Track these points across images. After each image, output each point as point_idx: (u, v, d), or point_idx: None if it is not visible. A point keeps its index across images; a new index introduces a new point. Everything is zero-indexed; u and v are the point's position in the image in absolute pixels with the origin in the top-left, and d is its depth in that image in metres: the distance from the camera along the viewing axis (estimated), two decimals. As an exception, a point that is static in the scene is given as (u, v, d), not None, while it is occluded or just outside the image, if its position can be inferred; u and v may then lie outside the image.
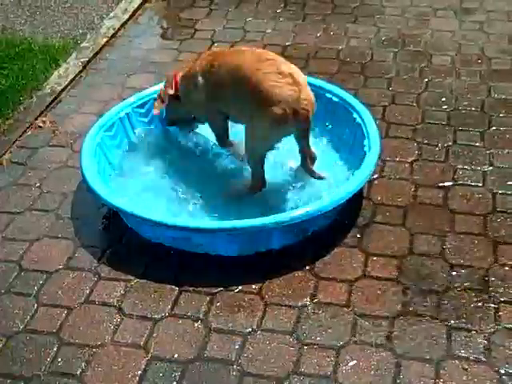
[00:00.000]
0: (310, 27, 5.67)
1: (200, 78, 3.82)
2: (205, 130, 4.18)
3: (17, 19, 6.14)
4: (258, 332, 3.20)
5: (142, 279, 3.49)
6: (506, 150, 4.21)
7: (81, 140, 4.19)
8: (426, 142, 4.33)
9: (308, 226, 3.62)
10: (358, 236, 3.67)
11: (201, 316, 3.29)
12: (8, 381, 3.07)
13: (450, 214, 3.78)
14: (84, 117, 4.69)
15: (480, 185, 3.96)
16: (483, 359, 3.02)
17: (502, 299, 3.28)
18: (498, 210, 3.79)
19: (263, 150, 3.72)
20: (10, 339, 3.24)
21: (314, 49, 5.36)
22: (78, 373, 3.07)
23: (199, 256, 3.58)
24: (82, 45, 5.59)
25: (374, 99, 4.69)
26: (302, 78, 3.59)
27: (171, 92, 4.00)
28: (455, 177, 4.03)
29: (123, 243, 3.74)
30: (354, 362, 3.04)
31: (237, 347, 3.13)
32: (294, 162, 3.91)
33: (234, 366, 3.05)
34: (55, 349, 3.17)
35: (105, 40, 5.63)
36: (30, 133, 4.62)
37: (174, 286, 3.44)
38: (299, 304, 3.32)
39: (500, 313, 3.22)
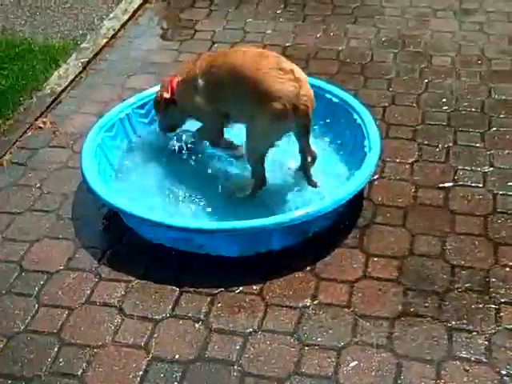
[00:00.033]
0: (309, 28, 5.67)
1: (200, 81, 3.82)
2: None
3: (17, 20, 6.14)
4: (259, 332, 3.20)
5: (143, 280, 3.49)
6: (507, 151, 4.22)
7: (81, 141, 4.20)
8: (426, 142, 4.33)
9: (308, 226, 3.62)
10: (359, 237, 3.67)
11: (201, 317, 3.29)
12: (9, 381, 3.07)
13: (450, 215, 3.78)
14: (84, 117, 4.69)
15: (480, 186, 3.96)
16: (484, 360, 3.02)
17: (502, 300, 3.28)
18: (499, 210, 3.79)
19: (264, 147, 3.72)
20: (10, 339, 3.24)
21: (314, 49, 5.36)
22: (79, 373, 3.07)
23: (200, 257, 3.58)
24: (81, 45, 5.58)
25: (374, 100, 4.69)
26: (303, 74, 3.61)
27: (167, 96, 3.99)
28: (455, 178, 4.03)
29: (124, 244, 3.74)
30: (355, 362, 3.04)
31: (238, 348, 3.13)
32: (294, 162, 3.91)
33: (235, 367, 3.05)
34: (56, 349, 3.17)
35: (105, 41, 5.62)
36: (30, 133, 4.62)
37: (174, 287, 3.44)
38: (300, 305, 3.32)
39: (501, 314, 3.22)
